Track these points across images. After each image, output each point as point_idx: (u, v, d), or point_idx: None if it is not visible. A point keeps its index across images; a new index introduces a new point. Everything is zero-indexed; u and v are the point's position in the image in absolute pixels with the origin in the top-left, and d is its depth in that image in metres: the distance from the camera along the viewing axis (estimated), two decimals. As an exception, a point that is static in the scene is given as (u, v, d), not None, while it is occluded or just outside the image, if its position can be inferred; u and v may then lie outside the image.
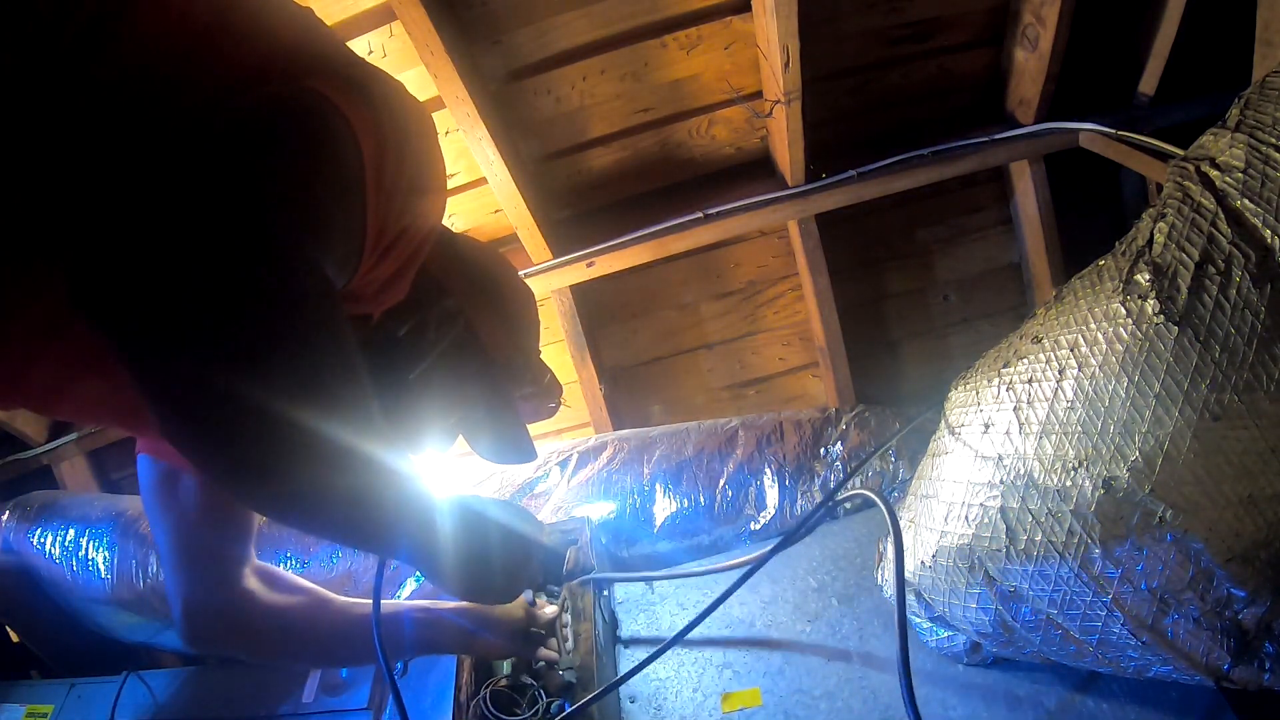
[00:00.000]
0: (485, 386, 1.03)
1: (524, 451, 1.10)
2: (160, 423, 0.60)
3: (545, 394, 1.14)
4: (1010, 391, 1.04)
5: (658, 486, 1.75)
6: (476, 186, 2.14)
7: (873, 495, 1.27)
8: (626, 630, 1.48)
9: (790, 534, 1.35)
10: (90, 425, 2.32)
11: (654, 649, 1.25)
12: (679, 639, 1.27)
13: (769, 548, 1.31)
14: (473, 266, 1.03)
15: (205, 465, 0.66)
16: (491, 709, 1.24)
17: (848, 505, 1.55)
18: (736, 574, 1.32)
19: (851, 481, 1.62)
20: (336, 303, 0.68)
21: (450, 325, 0.98)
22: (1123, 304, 0.93)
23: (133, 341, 0.56)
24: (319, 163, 0.67)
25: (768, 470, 1.70)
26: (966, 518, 1.06)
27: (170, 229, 0.57)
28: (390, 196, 0.74)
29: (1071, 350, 0.97)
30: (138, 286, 0.55)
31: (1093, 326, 0.96)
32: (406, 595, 1.68)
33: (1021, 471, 1.00)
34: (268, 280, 0.59)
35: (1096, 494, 0.93)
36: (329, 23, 1.75)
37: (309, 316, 0.62)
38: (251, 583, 1.11)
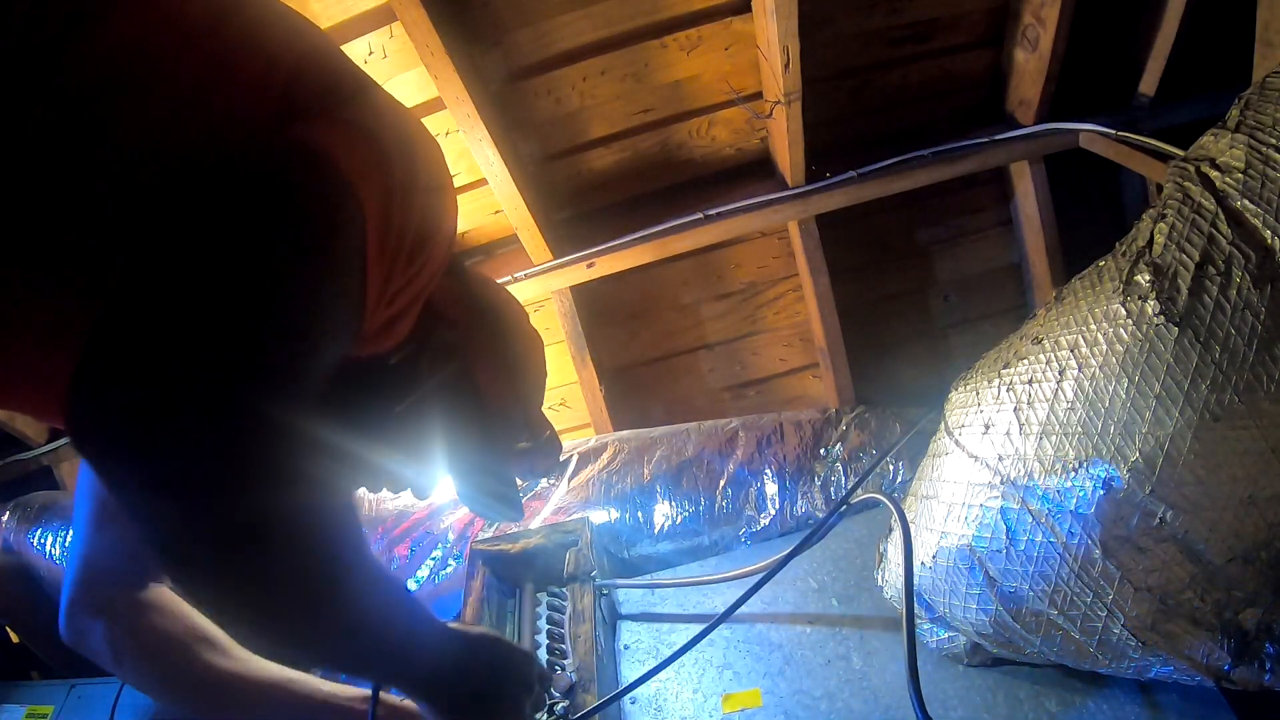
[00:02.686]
0: (476, 433, 0.95)
1: (508, 509, 1.02)
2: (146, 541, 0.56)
3: (542, 451, 1.05)
4: (1010, 392, 1.04)
5: (658, 487, 1.75)
6: (477, 187, 2.14)
7: (883, 499, 1.27)
8: (627, 631, 1.48)
9: (805, 540, 1.33)
10: None
11: (654, 649, 1.25)
12: (687, 650, 1.26)
13: (777, 558, 1.30)
14: (479, 303, 0.96)
15: (201, 604, 0.62)
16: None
17: (844, 506, 1.55)
18: (737, 580, 1.32)
19: (857, 485, 1.61)
20: (328, 418, 0.62)
21: (445, 361, 0.91)
22: (1123, 305, 0.93)
23: (113, 475, 0.53)
24: (321, 257, 0.61)
25: (768, 471, 1.70)
26: (967, 518, 1.06)
27: (146, 340, 0.52)
28: (394, 256, 0.70)
29: (1072, 351, 0.97)
30: (112, 412, 0.51)
31: (1093, 327, 0.96)
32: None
33: (1022, 472, 1.00)
34: (259, 410, 0.54)
35: (1097, 495, 0.93)
36: (329, 24, 1.77)
37: (302, 444, 0.57)
38: (157, 597, 1.03)
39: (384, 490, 0.96)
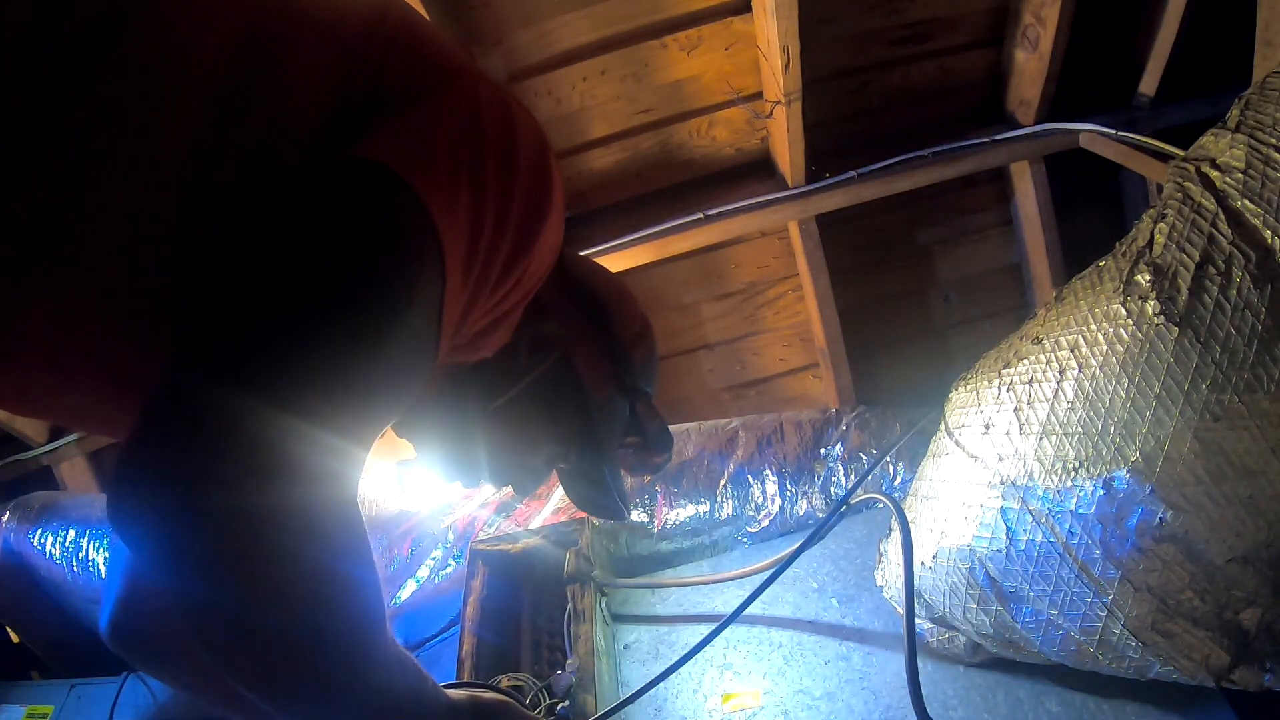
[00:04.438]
0: (578, 428, 0.87)
1: (611, 509, 0.95)
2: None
3: (650, 446, 0.96)
4: (1010, 392, 1.04)
5: (658, 487, 1.75)
6: (477, 187, 2.14)
7: (883, 499, 1.27)
8: (627, 631, 1.48)
9: (806, 541, 1.33)
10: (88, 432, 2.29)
11: (655, 649, 1.25)
12: (695, 653, 1.25)
13: (778, 558, 1.30)
14: (582, 288, 0.88)
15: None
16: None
17: (844, 506, 1.55)
18: (739, 582, 1.31)
19: (857, 485, 1.61)
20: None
21: (545, 352, 0.83)
22: (1123, 305, 0.93)
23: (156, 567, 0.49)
24: (384, 317, 0.53)
25: (768, 471, 1.70)
26: (967, 518, 1.06)
27: (189, 427, 0.47)
28: (480, 285, 0.62)
29: (1072, 351, 0.97)
30: (151, 498, 0.47)
31: (1093, 327, 0.96)
32: (406, 598, 1.68)
33: (1022, 472, 1.00)
34: (307, 515, 0.49)
35: (1097, 495, 0.93)
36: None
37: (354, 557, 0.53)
38: None
39: (482, 484, 0.89)
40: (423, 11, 1.66)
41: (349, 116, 0.57)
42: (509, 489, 0.91)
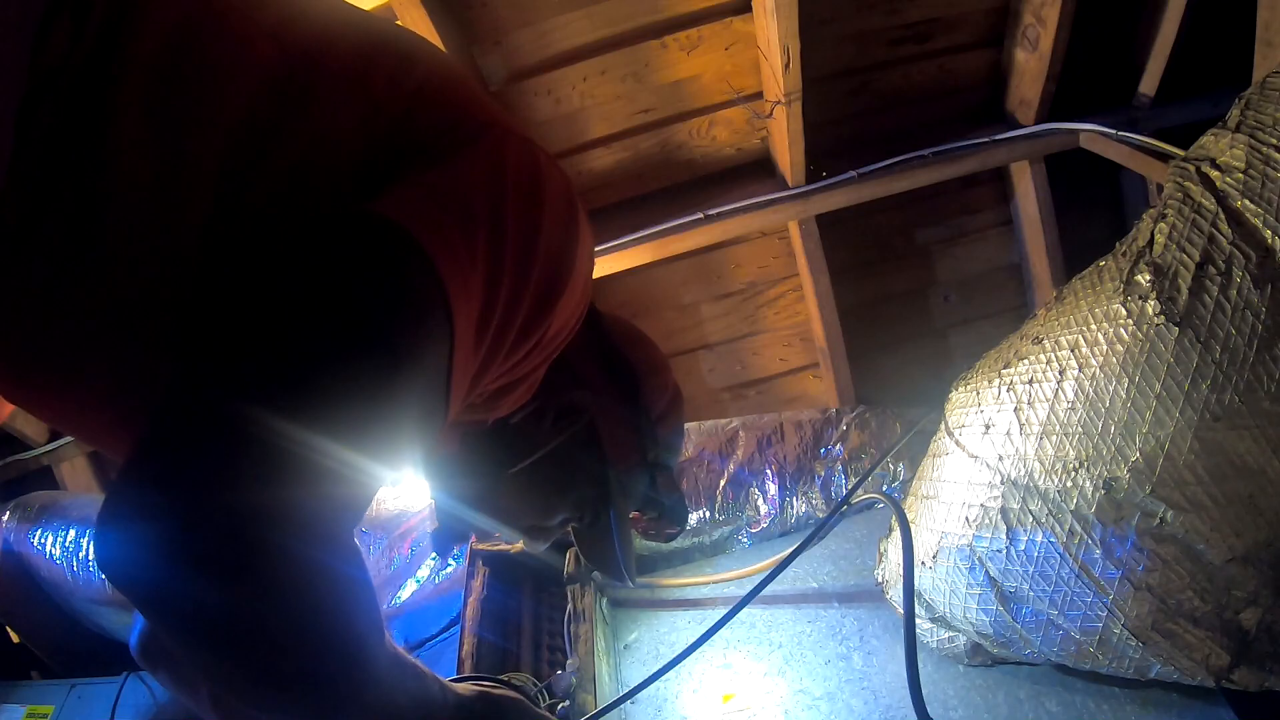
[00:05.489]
0: (594, 495, 0.87)
1: (616, 572, 0.93)
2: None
3: (665, 519, 0.95)
4: (1011, 392, 1.04)
5: (658, 487, 1.75)
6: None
7: (883, 499, 1.27)
8: (627, 631, 1.48)
9: (805, 541, 1.33)
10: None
11: (655, 649, 1.25)
12: (691, 651, 1.25)
13: (778, 558, 1.29)
14: (616, 356, 0.87)
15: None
16: (492, 709, 1.24)
17: (845, 506, 1.55)
18: (738, 582, 1.31)
19: (858, 485, 1.61)
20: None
21: (571, 422, 0.82)
22: (1123, 305, 0.93)
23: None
24: (383, 383, 0.52)
25: (768, 471, 1.70)
26: (967, 518, 1.06)
27: (174, 477, 0.47)
28: (495, 350, 0.61)
29: (1072, 351, 0.97)
30: (139, 553, 0.47)
31: (1093, 327, 0.96)
32: (406, 598, 1.68)
33: (1022, 472, 1.00)
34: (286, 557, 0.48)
35: (1097, 495, 0.93)
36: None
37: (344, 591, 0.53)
38: None
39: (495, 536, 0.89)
40: (423, 11, 1.66)
41: (376, 168, 0.57)
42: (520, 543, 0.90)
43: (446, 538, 0.90)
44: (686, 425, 1.89)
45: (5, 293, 0.52)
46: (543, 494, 0.84)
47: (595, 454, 0.84)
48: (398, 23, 1.75)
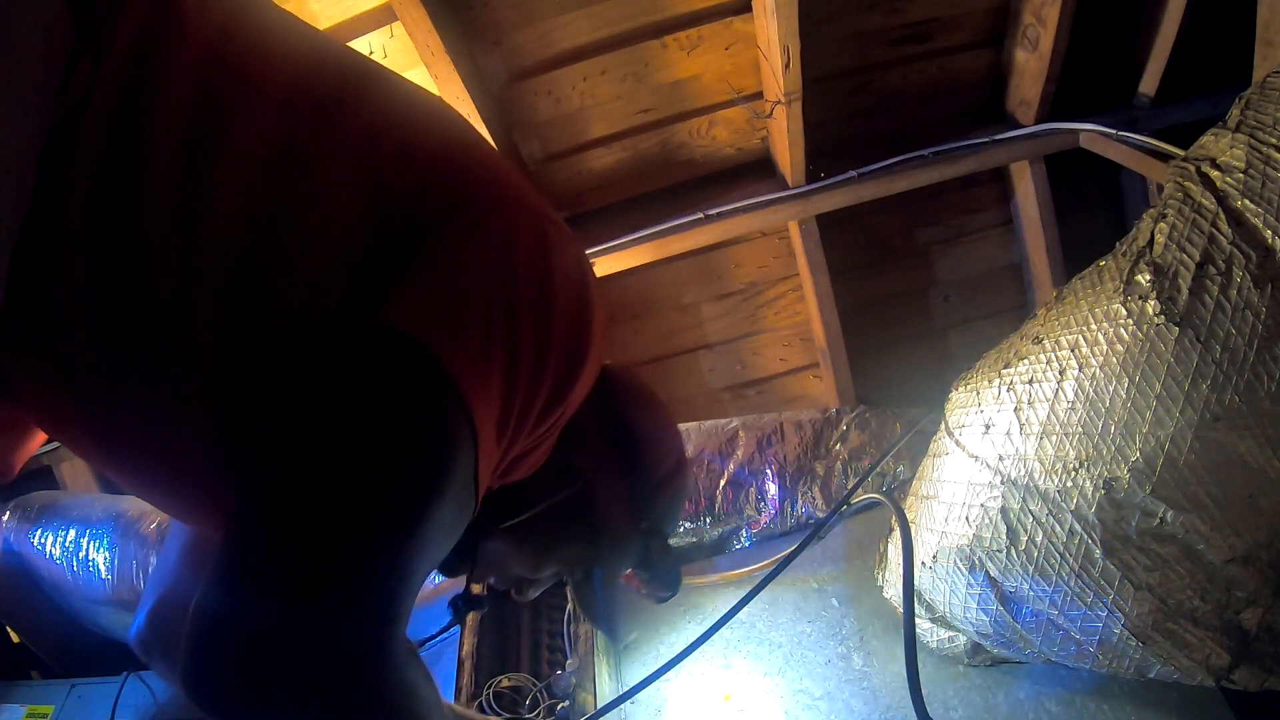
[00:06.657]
0: (583, 555, 0.85)
1: (603, 629, 0.93)
2: None
3: (656, 583, 0.93)
4: (1011, 392, 1.04)
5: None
6: (477, 187, 2.14)
7: (883, 499, 1.27)
8: (627, 631, 1.47)
9: (805, 540, 1.33)
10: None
11: (655, 649, 1.24)
12: (691, 651, 1.25)
13: (778, 558, 1.29)
14: (620, 421, 0.85)
15: None
16: (494, 708, 1.24)
17: (845, 506, 1.55)
18: (738, 582, 1.31)
19: (857, 485, 1.61)
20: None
21: (567, 484, 0.80)
22: (1123, 304, 0.93)
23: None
24: (418, 497, 0.54)
25: (768, 471, 1.70)
26: (967, 518, 1.06)
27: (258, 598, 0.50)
28: (514, 439, 0.62)
29: (1072, 351, 0.97)
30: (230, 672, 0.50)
31: (1093, 327, 0.96)
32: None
33: (1022, 472, 1.00)
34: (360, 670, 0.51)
35: (1097, 495, 0.93)
36: (329, 24, 1.77)
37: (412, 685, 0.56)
38: None
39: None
40: (423, 11, 1.65)
41: (388, 252, 0.57)
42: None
43: (460, 601, 0.90)
44: (686, 425, 1.90)
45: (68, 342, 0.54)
46: (532, 549, 0.83)
47: (588, 516, 0.83)
48: (396, 23, 1.74)
